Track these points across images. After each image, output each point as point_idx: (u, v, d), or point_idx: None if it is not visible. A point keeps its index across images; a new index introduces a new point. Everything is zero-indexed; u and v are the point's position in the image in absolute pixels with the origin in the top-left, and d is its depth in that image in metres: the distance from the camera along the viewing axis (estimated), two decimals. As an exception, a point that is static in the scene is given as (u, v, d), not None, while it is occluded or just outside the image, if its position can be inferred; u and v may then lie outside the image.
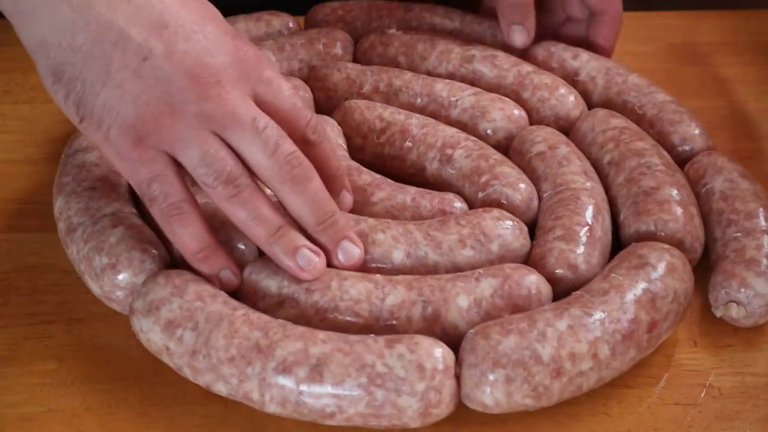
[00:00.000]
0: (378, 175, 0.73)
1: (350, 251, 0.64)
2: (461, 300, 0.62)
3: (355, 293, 0.62)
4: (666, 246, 0.65)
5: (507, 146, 0.77)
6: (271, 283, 0.63)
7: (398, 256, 0.66)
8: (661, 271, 0.62)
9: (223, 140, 0.61)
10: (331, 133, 0.76)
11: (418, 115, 0.78)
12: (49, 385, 0.62)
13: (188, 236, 0.62)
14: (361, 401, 0.56)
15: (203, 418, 0.60)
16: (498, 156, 0.74)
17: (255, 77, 0.63)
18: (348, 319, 0.61)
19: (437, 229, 0.67)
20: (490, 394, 0.58)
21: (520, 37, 0.84)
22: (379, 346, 0.57)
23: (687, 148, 0.76)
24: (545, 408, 0.59)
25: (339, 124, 0.78)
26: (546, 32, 0.87)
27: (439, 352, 0.58)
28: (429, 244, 0.66)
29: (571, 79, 0.83)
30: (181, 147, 0.60)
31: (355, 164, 0.74)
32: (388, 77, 0.81)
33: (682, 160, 0.75)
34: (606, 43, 0.86)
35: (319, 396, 0.57)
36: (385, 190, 0.71)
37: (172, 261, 0.65)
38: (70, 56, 0.60)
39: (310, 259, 0.63)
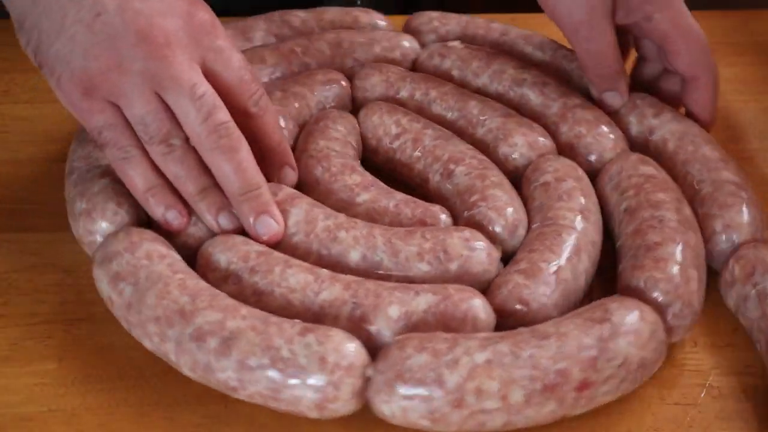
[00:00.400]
0: (370, 177, 0.73)
1: (268, 225, 0.66)
2: (392, 310, 0.61)
3: (293, 282, 0.62)
4: (643, 307, 0.61)
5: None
6: (221, 258, 0.64)
7: (354, 257, 0.66)
8: (619, 332, 0.58)
9: (164, 100, 0.64)
10: (343, 131, 0.76)
11: (437, 126, 0.77)
12: (49, 385, 0.62)
13: (137, 176, 0.66)
14: (261, 382, 0.57)
15: (203, 418, 0.60)
16: (497, 178, 0.72)
17: (206, 44, 0.66)
18: (280, 305, 0.62)
19: (400, 238, 0.66)
20: (387, 404, 0.57)
21: (614, 101, 0.79)
22: (292, 332, 0.58)
23: (732, 236, 0.68)
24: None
25: (360, 123, 0.78)
26: (644, 81, 0.83)
27: (350, 348, 0.57)
28: (387, 251, 0.65)
29: (645, 137, 0.78)
30: (126, 102, 0.64)
31: (351, 163, 0.74)
32: (426, 86, 0.81)
33: (723, 251, 0.69)
34: (701, 112, 0.79)
35: (224, 369, 0.58)
36: (371, 193, 0.71)
37: (148, 221, 0.68)
38: (31, 8, 0.66)
39: (230, 220, 0.66)
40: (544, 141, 0.76)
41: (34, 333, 0.65)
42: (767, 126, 0.86)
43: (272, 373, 0.57)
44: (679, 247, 0.65)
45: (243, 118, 0.67)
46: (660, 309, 0.62)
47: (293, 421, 0.59)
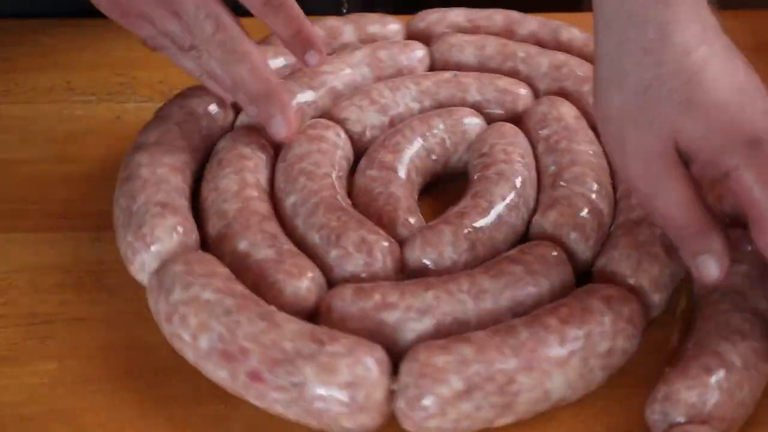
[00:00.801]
0: (403, 165, 0.73)
1: (278, 126, 0.73)
2: (242, 244, 0.65)
3: (221, 184, 0.70)
4: (374, 360, 0.57)
5: None
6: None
7: (289, 201, 0.70)
8: (321, 363, 0.55)
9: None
10: (441, 128, 0.76)
11: (520, 167, 0.72)
12: (49, 385, 0.62)
13: (190, 66, 0.74)
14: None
15: (203, 418, 0.60)
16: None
17: None
18: (203, 197, 0.71)
19: (326, 208, 0.68)
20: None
21: (709, 269, 0.58)
22: (153, 203, 0.66)
23: (667, 411, 0.57)
24: (544, 408, 0.59)
25: (479, 134, 0.77)
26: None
27: (168, 235, 0.64)
28: (306, 211, 0.68)
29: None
30: (153, 20, 0.72)
31: (406, 147, 0.74)
32: (562, 136, 0.75)
33: (656, 423, 0.58)
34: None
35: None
36: (382, 174, 0.72)
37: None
38: None
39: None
40: (571, 235, 0.68)
41: (34, 333, 0.65)
42: (767, 126, 0.86)
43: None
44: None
45: (265, 9, 0.73)
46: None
47: (293, 425, 0.59)
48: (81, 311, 0.67)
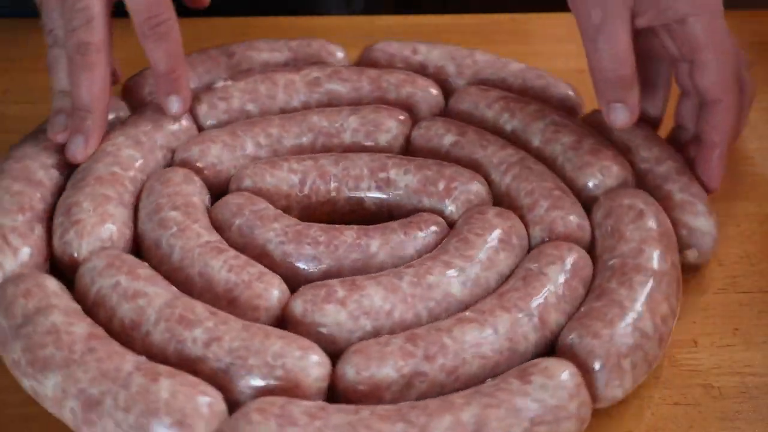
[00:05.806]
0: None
1: (76, 144, 0.72)
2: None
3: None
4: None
5: (408, 148, 0.77)
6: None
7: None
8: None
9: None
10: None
11: (325, 153, 0.75)
12: (50, 385, 0.62)
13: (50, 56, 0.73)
14: None
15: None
16: (433, 161, 0.73)
17: None
18: None
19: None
20: None
21: (620, 116, 0.71)
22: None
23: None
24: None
25: (255, 192, 0.72)
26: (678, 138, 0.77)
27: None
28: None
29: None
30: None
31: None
32: (262, 129, 0.76)
33: None
34: (716, 138, 0.72)
35: None
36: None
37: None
38: None
39: None
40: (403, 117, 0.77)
41: (35, 333, 0.65)
42: (767, 126, 0.86)
43: None
44: None
45: (149, 33, 0.69)
46: None
47: None
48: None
